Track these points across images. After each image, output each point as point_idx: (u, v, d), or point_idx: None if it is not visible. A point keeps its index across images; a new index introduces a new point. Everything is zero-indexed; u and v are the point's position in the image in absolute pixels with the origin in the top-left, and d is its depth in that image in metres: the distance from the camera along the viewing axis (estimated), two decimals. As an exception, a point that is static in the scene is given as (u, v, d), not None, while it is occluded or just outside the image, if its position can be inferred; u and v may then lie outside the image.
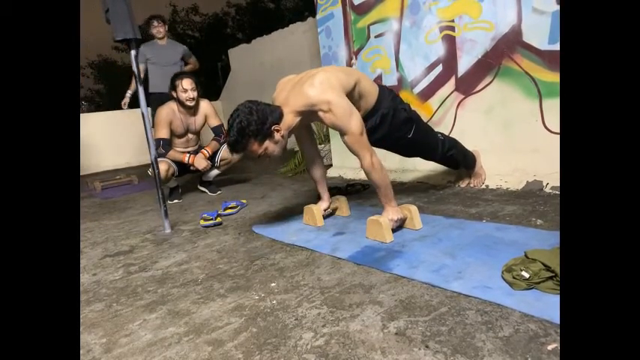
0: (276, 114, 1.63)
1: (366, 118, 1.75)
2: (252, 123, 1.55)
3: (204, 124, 3.27)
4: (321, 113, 1.64)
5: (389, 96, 1.92)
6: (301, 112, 1.68)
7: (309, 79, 1.66)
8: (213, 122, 3.25)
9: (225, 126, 3.46)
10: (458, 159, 2.27)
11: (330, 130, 3.56)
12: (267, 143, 1.63)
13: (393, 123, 1.89)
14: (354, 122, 1.65)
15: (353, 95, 1.77)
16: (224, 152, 3.23)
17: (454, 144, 2.20)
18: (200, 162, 3.07)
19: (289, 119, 1.67)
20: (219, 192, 3.30)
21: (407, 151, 2.14)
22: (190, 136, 3.23)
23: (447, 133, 2.61)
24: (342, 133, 1.67)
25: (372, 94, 1.85)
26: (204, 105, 3.21)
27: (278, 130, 1.63)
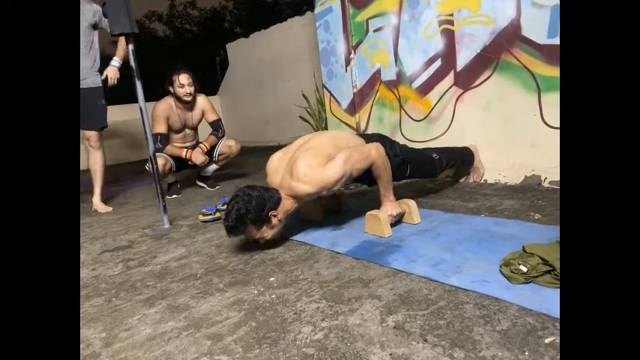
0: (274, 199, 1.65)
1: (361, 175, 1.75)
2: (251, 211, 1.58)
3: (201, 119, 3.26)
4: (323, 195, 1.70)
5: None
6: (299, 198, 1.70)
7: (293, 167, 1.65)
8: (211, 117, 3.23)
9: (223, 121, 3.43)
10: (457, 164, 2.33)
11: (329, 126, 3.56)
12: (265, 229, 1.65)
13: None
14: (350, 167, 1.63)
15: None
16: (222, 147, 3.22)
17: (451, 157, 2.22)
18: (198, 157, 3.06)
19: (287, 205, 1.69)
20: (217, 187, 3.30)
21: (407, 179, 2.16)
22: (188, 131, 3.22)
23: (445, 129, 2.62)
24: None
25: None
26: (201, 100, 3.20)
27: (275, 216, 1.65)
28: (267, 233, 1.67)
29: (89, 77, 2.80)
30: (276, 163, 1.82)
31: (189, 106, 3.12)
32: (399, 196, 1.83)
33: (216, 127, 3.23)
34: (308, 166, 1.63)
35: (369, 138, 1.94)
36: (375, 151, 1.69)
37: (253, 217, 1.59)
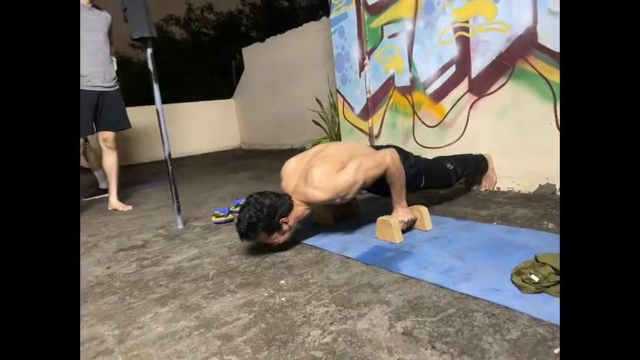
0: (286, 206, 1.67)
1: (375, 185, 1.76)
2: (262, 219, 1.61)
3: None
4: (336, 203, 1.73)
5: None
6: (312, 204, 1.73)
7: (308, 174, 1.67)
8: None
9: (238, 124, 3.43)
10: (471, 173, 2.32)
11: (341, 131, 3.57)
12: (276, 235, 1.68)
13: None
14: (363, 174, 1.64)
15: None
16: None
17: (465, 165, 2.21)
18: None
19: (299, 211, 1.72)
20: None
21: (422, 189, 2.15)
22: None
23: (459, 135, 2.61)
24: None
25: None
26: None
27: (286, 222, 1.67)
28: (279, 238, 1.70)
29: (112, 81, 2.98)
30: (291, 169, 1.84)
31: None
32: (411, 203, 1.83)
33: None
34: (323, 172, 1.65)
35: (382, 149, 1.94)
36: (390, 157, 1.70)
37: (265, 225, 1.62)
